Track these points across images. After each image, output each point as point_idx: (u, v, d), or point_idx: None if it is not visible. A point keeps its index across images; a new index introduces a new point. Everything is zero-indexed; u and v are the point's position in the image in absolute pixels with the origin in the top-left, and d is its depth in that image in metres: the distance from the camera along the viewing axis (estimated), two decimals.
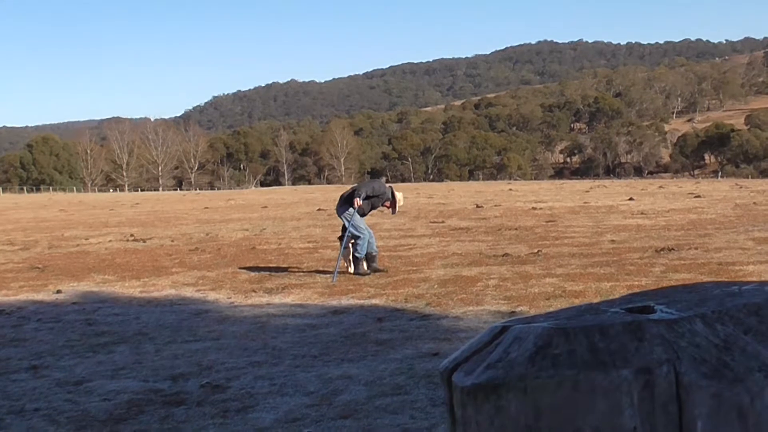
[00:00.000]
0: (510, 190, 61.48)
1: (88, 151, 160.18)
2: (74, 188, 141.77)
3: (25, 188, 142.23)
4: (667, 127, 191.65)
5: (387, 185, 16.74)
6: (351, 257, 15.58)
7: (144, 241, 24.11)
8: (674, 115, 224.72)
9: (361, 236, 15.42)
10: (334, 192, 70.30)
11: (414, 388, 7.19)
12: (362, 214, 15.82)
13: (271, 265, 17.08)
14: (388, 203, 16.21)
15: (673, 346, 1.28)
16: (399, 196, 16.31)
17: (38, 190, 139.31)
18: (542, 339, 1.27)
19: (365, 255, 15.52)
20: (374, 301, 12.19)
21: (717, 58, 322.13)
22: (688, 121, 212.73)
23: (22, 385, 7.97)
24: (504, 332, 1.33)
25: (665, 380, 1.26)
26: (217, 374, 8.08)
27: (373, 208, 16.22)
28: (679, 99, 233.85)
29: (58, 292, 14.61)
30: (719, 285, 1.53)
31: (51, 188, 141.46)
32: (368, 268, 15.47)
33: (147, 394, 7.47)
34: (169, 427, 6.43)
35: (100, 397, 7.43)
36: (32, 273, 17.43)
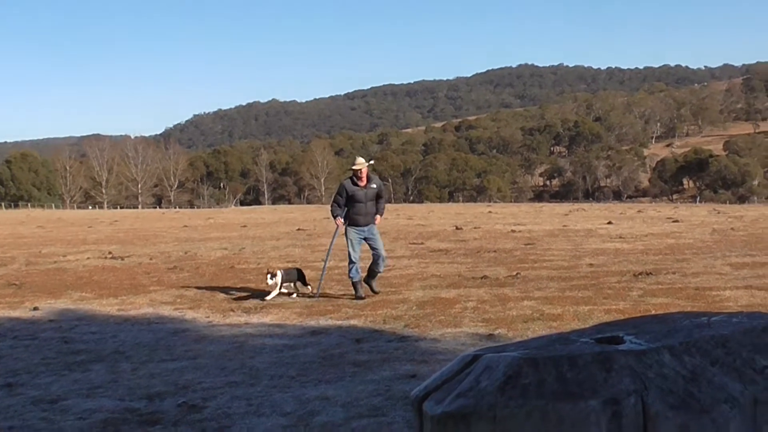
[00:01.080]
0: (489, 212, 61.59)
1: (68, 168, 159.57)
2: (53, 205, 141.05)
3: (2, 204, 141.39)
4: (646, 152, 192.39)
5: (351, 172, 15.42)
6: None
7: (122, 259, 24.02)
8: (653, 140, 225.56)
9: (351, 258, 14.89)
10: (314, 212, 70.31)
11: (391, 410, 7.19)
12: (359, 224, 14.94)
13: (249, 285, 17.04)
14: (360, 180, 15.02)
15: (641, 377, 1.29)
16: (357, 161, 15.28)
17: (16, 206, 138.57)
18: (512, 368, 1.29)
19: (359, 278, 14.90)
20: (353, 322, 12.17)
21: (696, 84, 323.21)
22: (667, 146, 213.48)
23: None
24: (475, 361, 1.35)
25: (633, 411, 1.27)
26: (193, 394, 8.05)
27: (360, 202, 14.92)
28: (659, 124, 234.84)
29: (35, 309, 14.53)
30: (688, 316, 1.55)
31: (29, 204, 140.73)
32: (371, 286, 15.13)
33: (123, 413, 7.43)
34: None
35: (76, 415, 7.40)
36: (9, 290, 17.32)
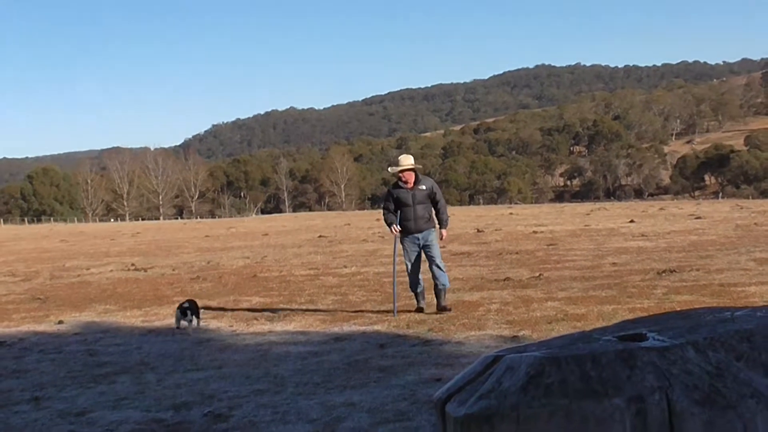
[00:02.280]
0: (510, 214, 61.50)
1: (89, 181, 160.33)
2: (75, 218, 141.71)
3: (26, 219, 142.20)
4: (666, 149, 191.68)
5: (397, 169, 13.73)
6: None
7: (145, 271, 24.10)
8: (673, 136, 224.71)
9: (408, 267, 13.59)
10: (335, 219, 70.37)
11: (417, 414, 7.18)
12: (410, 230, 13.44)
13: (272, 293, 17.07)
14: (407, 183, 13.50)
15: (665, 373, 1.28)
16: (400, 162, 13.79)
17: (39, 220, 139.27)
18: (534, 368, 1.28)
19: (420, 289, 13.61)
20: (376, 328, 12.17)
21: (715, 80, 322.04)
22: (688, 142, 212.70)
23: (24, 417, 7.96)
24: (496, 362, 1.34)
25: (657, 408, 1.26)
26: (219, 403, 8.06)
27: (407, 205, 13.49)
28: (678, 121, 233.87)
29: (60, 322, 14.60)
30: (712, 311, 1.54)
31: (52, 219, 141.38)
32: (439, 305, 13.33)
33: (149, 424, 7.45)
34: None
35: (103, 427, 7.42)
36: (34, 304, 17.41)
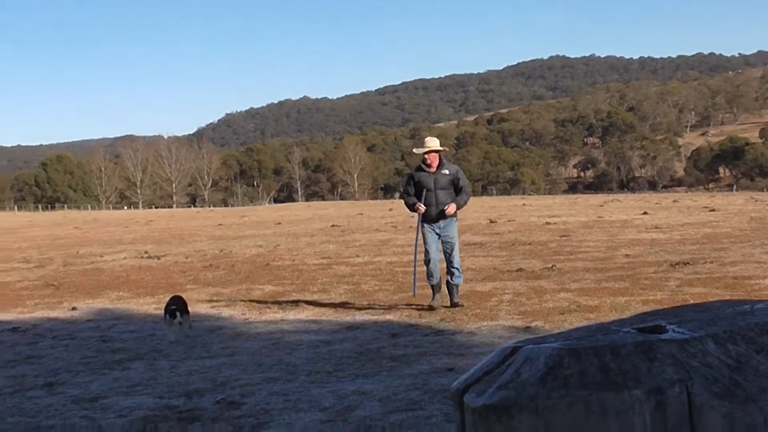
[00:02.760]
0: (524, 205, 61.49)
1: (102, 169, 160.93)
2: (89, 206, 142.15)
3: (40, 206, 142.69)
4: (680, 141, 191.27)
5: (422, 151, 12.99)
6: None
7: (158, 258, 24.17)
8: (688, 128, 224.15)
9: (425, 255, 12.77)
10: (348, 208, 70.44)
11: (429, 403, 7.18)
12: (431, 217, 12.63)
13: (285, 282, 17.09)
14: (430, 167, 12.75)
15: (685, 366, 1.28)
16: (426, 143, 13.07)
17: (53, 207, 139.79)
18: (553, 359, 1.28)
19: (436, 281, 12.77)
20: (388, 317, 12.17)
21: (730, 72, 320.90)
22: (702, 134, 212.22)
23: (38, 402, 7.99)
24: (515, 353, 1.34)
25: (677, 400, 1.26)
26: (231, 390, 8.08)
27: (429, 190, 12.65)
28: (693, 113, 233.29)
29: (74, 309, 14.65)
30: (731, 304, 1.53)
31: (65, 206, 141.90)
32: (452, 301, 12.65)
33: (162, 410, 7.47)
34: None
35: (116, 413, 7.45)
36: (47, 290, 17.48)
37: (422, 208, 12.52)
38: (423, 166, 12.81)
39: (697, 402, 1.25)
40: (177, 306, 11.48)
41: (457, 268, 12.76)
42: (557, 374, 1.26)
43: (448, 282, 12.76)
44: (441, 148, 12.93)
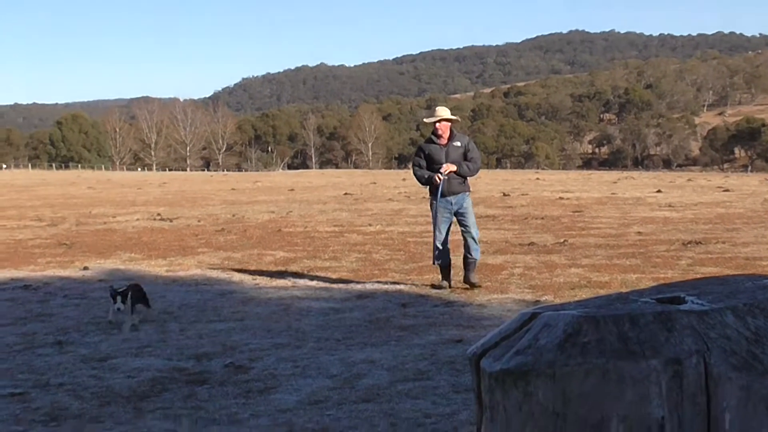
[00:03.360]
0: (537, 179, 61.33)
1: (117, 130, 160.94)
2: (102, 166, 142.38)
3: (53, 165, 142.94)
4: (697, 120, 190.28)
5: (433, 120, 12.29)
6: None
7: (171, 221, 24.20)
8: (705, 108, 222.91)
9: (435, 236, 12.13)
10: (361, 177, 70.39)
11: (436, 374, 7.19)
12: (442, 193, 11.93)
13: (297, 248, 17.10)
14: (440, 138, 12.11)
15: (703, 337, 1.27)
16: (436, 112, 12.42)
17: (67, 167, 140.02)
18: (572, 327, 1.27)
19: (446, 261, 12.13)
20: (399, 287, 12.18)
21: (750, 52, 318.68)
22: (719, 114, 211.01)
23: (48, 360, 8.03)
24: (533, 319, 1.33)
25: (694, 371, 1.26)
26: (240, 355, 8.10)
27: (440, 164, 11.93)
28: (711, 92, 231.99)
29: (85, 269, 14.70)
30: (751, 278, 1.53)
31: (79, 166, 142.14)
32: (466, 278, 12.00)
33: (171, 372, 7.50)
34: (192, 406, 6.46)
35: (125, 374, 7.48)
36: (59, 249, 17.53)
37: (439, 178, 11.77)
38: (433, 137, 12.15)
39: (714, 373, 1.25)
40: (127, 292, 9.86)
41: (474, 240, 11.99)
42: (575, 341, 1.26)
43: (465, 258, 12.01)
44: (453, 117, 12.28)
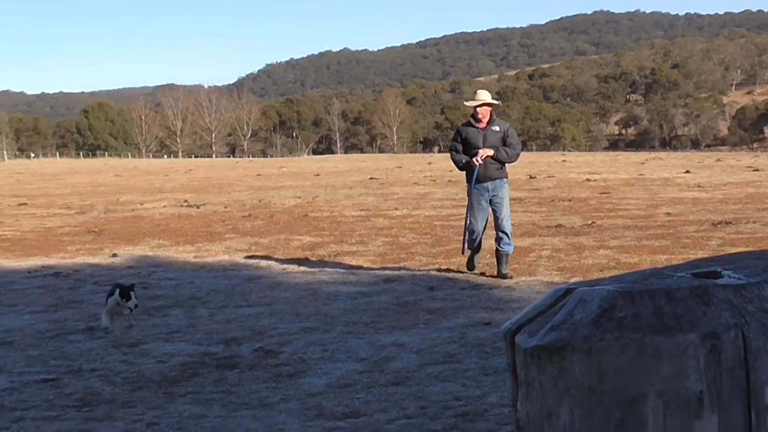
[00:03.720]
0: (564, 161, 61.08)
1: (143, 117, 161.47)
2: (129, 154, 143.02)
3: (81, 153, 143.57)
4: (725, 100, 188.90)
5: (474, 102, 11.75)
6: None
7: (197, 207, 24.28)
8: (733, 87, 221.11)
9: (469, 224, 11.86)
10: (387, 161, 70.35)
11: (465, 356, 7.19)
12: (479, 179, 11.52)
13: (323, 233, 17.12)
14: (480, 122, 11.67)
15: (741, 311, 1.26)
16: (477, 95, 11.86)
17: (94, 155, 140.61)
18: (607, 302, 1.26)
19: (475, 247, 11.85)
20: (426, 271, 12.17)
21: None
22: (748, 93, 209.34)
23: (79, 346, 8.08)
24: (568, 294, 1.32)
25: (733, 345, 1.24)
26: (269, 339, 8.12)
27: (478, 148, 11.50)
28: (739, 71, 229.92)
29: (114, 255, 14.77)
30: None
31: (106, 153, 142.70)
32: (499, 272, 11.55)
33: (201, 357, 7.54)
34: (222, 390, 6.49)
35: (155, 359, 7.52)
36: (88, 237, 17.62)
37: (477, 162, 11.35)
38: (472, 120, 11.72)
39: (752, 347, 1.23)
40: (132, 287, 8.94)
41: (506, 234, 11.64)
42: (611, 316, 1.24)
43: (497, 250, 11.65)
44: (494, 102, 11.80)
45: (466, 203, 12.02)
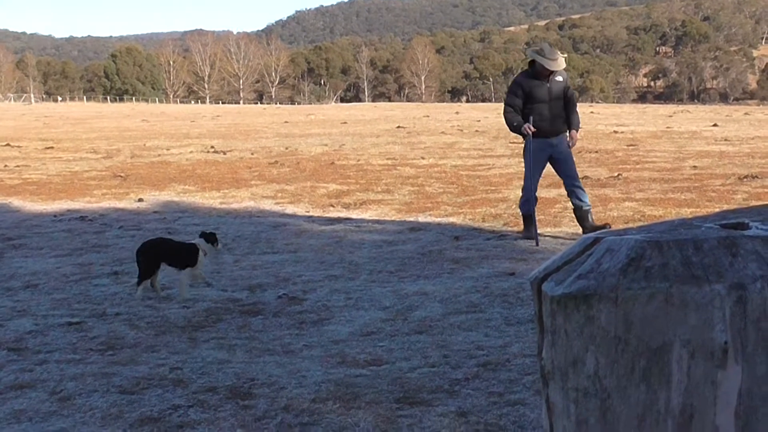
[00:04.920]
0: (591, 113, 60.68)
1: (171, 63, 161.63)
2: (156, 99, 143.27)
3: (108, 98, 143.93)
4: (755, 53, 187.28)
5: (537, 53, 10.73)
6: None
7: (224, 153, 24.33)
8: (763, 40, 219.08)
9: (525, 182, 11.00)
10: (414, 110, 70.17)
11: (489, 306, 7.20)
12: (544, 133, 10.65)
13: (349, 181, 17.13)
14: (541, 75, 10.62)
15: None
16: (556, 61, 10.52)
17: (121, 99, 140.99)
18: (635, 251, 1.26)
19: (530, 210, 10.79)
20: (451, 220, 12.18)
21: None
22: None
23: (104, 290, 8.15)
24: (596, 243, 1.32)
25: (759, 296, 1.24)
26: (294, 286, 8.16)
27: (542, 102, 10.62)
28: None
29: (140, 200, 14.85)
30: None
31: (134, 98, 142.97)
32: (587, 228, 10.56)
33: (225, 303, 7.58)
34: (246, 336, 6.53)
35: (180, 304, 7.57)
36: (114, 181, 17.70)
37: (531, 130, 10.50)
38: (533, 71, 10.66)
39: None
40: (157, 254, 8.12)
41: (582, 188, 10.86)
42: (639, 265, 1.25)
43: (579, 209, 10.81)
44: (563, 56, 10.69)
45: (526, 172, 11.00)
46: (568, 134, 10.82)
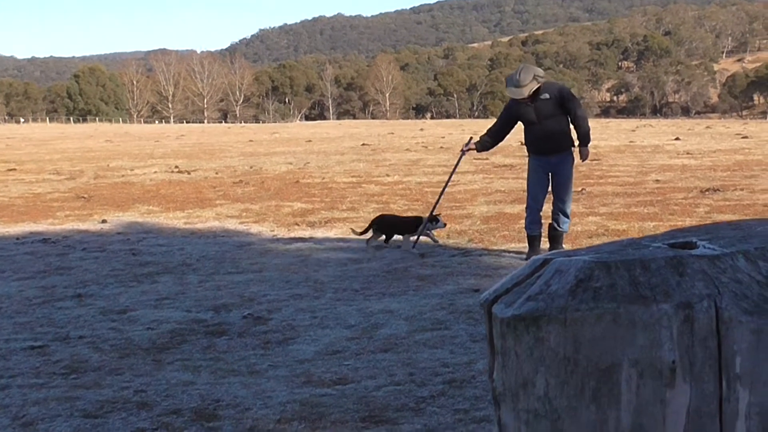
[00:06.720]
0: None
1: (135, 83, 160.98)
2: (120, 119, 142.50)
3: (71, 118, 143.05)
4: (716, 67, 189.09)
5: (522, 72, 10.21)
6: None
7: (188, 173, 24.25)
8: (724, 54, 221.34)
9: (528, 200, 10.76)
10: (379, 127, 70.26)
11: (454, 323, 7.21)
12: (541, 151, 10.47)
13: (314, 199, 17.12)
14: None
15: (715, 281, 1.28)
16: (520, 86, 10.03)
17: (84, 120, 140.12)
18: (583, 272, 1.28)
19: (536, 231, 10.55)
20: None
21: None
22: (738, 61, 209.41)
23: (67, 313, 8.09)
24: (545, 265, 1.34)
25: (705, 315, 1.26)
26: (259, 306, 8.14)
27: (532, 123, 10.42)
28: (730, 38, 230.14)
29: (104, 222, 14.77)
30: (763, 223, 1.53)
31: (97, 119, 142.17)
32: (554, 248, 10.45)
33: (190, 324, 7.55)
34: (211, 357, 6.51)
35: (144, 326, 7.53)
36: (78, 202, 17.60)
37: (465, 149, 10.94)
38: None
39: (725, 317, 1.25)
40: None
41: (565, 213, 10.52)
42: (587, 286, 1.26)
43: (552, 229, 10.58)
44: (538, 81, 10.10)
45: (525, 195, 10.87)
46: (575, 150, 10.50)
